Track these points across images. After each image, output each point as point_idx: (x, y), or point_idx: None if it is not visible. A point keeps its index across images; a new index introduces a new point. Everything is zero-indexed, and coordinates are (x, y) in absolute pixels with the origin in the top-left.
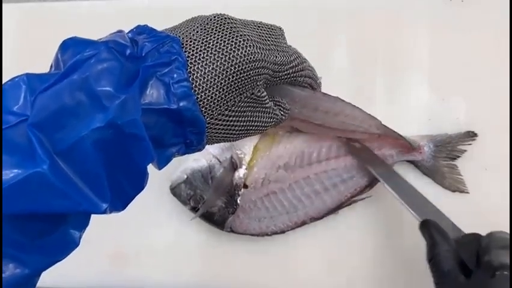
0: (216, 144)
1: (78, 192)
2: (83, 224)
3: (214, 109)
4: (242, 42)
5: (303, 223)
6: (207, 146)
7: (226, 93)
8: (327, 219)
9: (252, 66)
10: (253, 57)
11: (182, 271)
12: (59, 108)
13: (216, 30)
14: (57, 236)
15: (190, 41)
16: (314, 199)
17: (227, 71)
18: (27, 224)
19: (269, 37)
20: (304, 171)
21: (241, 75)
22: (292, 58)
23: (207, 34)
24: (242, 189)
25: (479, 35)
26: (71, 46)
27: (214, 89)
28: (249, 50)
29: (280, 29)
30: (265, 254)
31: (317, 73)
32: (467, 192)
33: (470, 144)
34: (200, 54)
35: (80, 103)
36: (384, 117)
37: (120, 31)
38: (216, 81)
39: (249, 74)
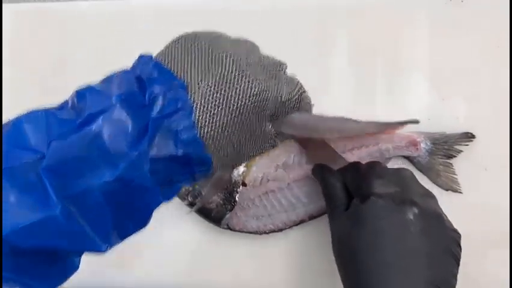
0: None
1: (83, 235)
2: (81, 252)
3: (221, 150)
4: (249, 87)
5: (302, 221)
6: None
7: (234, 137)
8: (325, 217)
9: (259, 108)
10: (262, 103)
11: (180, 269)
12: (72, 158)
13: (222, 74)
14: (59, 264)
15: (197, 86)
16: (313, 197)
17: (235, 118)
18: (32, 255)
19: (273, 70)
20: (303, 170)
21: (249, 119)
22: (295, 91)
23: (212, 78)
24: (241, 187)
25: (479, 35)
26: (87, 96)
27: (222, 134)
28: (256, 94)
29: (282, 63)
30: (262, 252)
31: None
32: (460, 192)
33: (467, 145)
34: (207, 100)
35: (92, 156)
36: (385, 117)
37: (127, 72)
38: (223, 126)
39: (257, 116)
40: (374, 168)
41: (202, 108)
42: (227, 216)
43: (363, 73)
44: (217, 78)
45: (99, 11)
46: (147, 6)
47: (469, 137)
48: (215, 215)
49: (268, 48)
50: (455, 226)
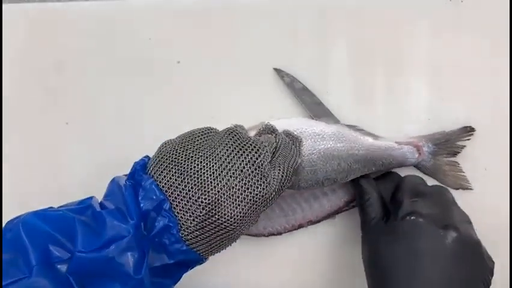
0: None
1: None
2: None
3: (209, 252)
4: (236, 206)
5: (300, 226)
6: None
7: (226, 241)
8: (324, 223)
9: (255, 213)
10: (255, 212)
11: None
12: (91, 269)
13: (208, 197)
14: None
15: (183, 213)
16: (313, 203)
17: (225, 233)
18: None
19: (255, 166)
20: None
21: (244, 224)
22: (276, 183)
23: (200, 198)
24: None
25: (479, 35)
26: (106, 219)
27: (214, 243)
28: (245, 212)
29: (259, 150)
30: (260, 255)
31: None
32: (471, 189)
33: (468, 139)
34: (196, 215)
35: (106, 272)
36: (385, 117)
37: (127, 188)
38: (212, 240)
39: (255, 215)
40: (415, 184)
41: (191, 221)
42: None
43: (363, 73)
44: (206, 200)
45: (99, 11)
46: (147, 6)
47: (468, 130)
48: None
49: (269, 48)
50: None
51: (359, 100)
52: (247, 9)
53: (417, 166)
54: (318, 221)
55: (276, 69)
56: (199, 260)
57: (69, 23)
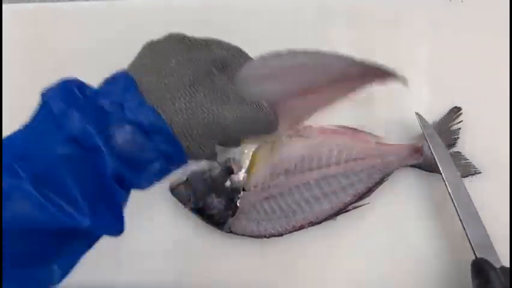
0: (217, 147)
1: (56, 207)
2: (69, 264)
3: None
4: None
5: (301, 227)
6: None
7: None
8: (324, 224)
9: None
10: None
11: (180, 271)
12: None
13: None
14: (37, 270)
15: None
16: (313, 204)
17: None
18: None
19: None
20: (304, 177)
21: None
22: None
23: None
24: (242, 192)
25: (479, 35)
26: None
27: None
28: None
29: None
30: (262, 256)
31: None
32: (480, 172)
33: (461, 121)
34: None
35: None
36: (385, 118)
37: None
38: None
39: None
40: None
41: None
42: (229, 220)
43: None
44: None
45: (99, 11)
46: (147, 6)
47: (456, 111)
48: (217, 220)
49: (268, 48)
50: (455, 227)
51: (359, 100)
52: (247, 9)
53: (421, 167)
54: (319, 222)
55: (417, 114)
56: (162, 128)
57: (69, 23)
